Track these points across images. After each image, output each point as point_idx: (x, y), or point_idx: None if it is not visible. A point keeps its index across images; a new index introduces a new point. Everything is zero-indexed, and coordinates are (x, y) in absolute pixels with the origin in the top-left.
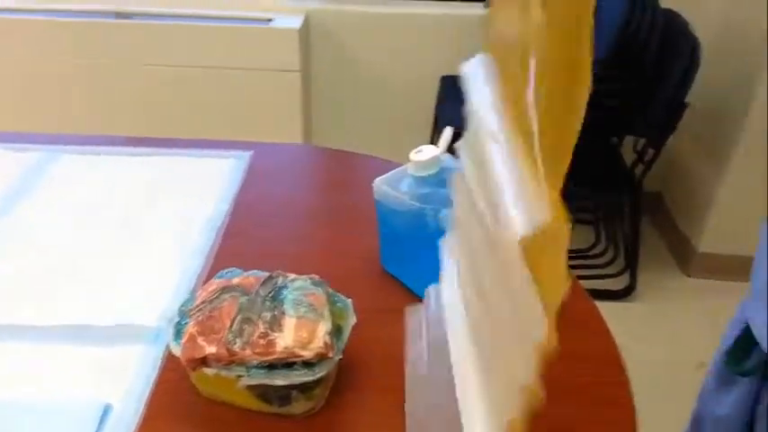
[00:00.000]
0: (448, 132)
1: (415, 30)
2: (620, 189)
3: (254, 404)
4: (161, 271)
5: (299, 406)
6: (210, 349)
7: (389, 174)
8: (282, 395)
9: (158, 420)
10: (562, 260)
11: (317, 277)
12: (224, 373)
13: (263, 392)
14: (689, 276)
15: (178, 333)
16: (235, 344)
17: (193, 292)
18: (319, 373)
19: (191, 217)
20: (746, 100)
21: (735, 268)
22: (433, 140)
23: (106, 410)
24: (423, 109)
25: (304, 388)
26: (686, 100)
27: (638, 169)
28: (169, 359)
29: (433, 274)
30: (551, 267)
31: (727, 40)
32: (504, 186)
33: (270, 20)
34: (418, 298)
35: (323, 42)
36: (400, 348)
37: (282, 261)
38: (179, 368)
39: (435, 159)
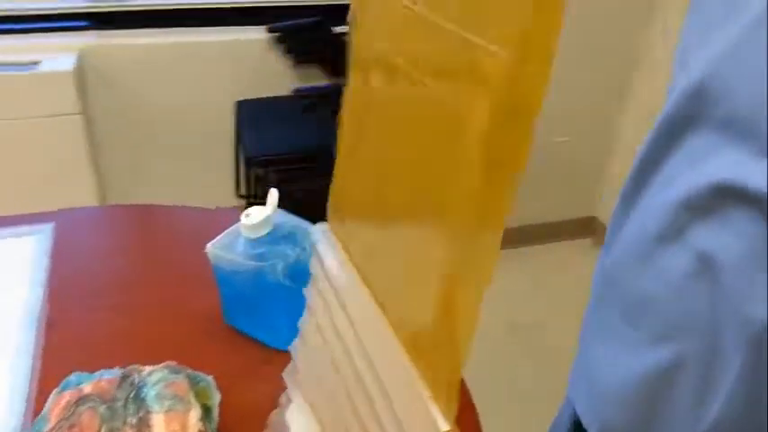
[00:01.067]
0: (275, 195)
1: (199, 59)
2: None
3: None
4: None
5: None
6: None
7: (221, 237)
8: None
9: None
10: None
11: (173, 363)
12: None
13: None
14: None
15: None
16: None
17: (28, 402)
18: None
19: (2, 312)
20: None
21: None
22: (238, 174)
23: None
24: (221, 139)
25: None
26: None
27: None
28: None
29: (283, 323)
30: None
31: None
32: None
33: (37, 63)
34: (272, 348)
35: (101, 81)
36: (270, 408)
37: (119, 342)
38: None
39: (267, 220)
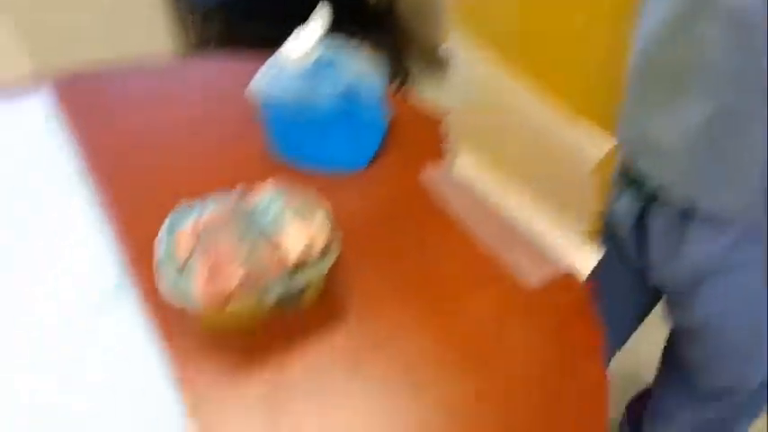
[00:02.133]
0: (324, 12)
1: None
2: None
3: (265, 315)
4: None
5: (308, 297)
6: (233, 287)
7: (263, 73)
8: (296, 295)
9: (194, 364)
10: None
11: (279, 182)
12: (247, 301)
13: (279, 301)
14: None
15: (180, 284)
16: (255, 269)
17: (118, 263)
18: (332, 259)
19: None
20: None
21: None
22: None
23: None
24: None
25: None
26: None
27: None
28: (153, 313)
29: (342, 147)
30: None
31: None
32: None
33: None
34: (333, 173)
35: None
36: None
37: (176, 192)
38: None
39: (314, 45)
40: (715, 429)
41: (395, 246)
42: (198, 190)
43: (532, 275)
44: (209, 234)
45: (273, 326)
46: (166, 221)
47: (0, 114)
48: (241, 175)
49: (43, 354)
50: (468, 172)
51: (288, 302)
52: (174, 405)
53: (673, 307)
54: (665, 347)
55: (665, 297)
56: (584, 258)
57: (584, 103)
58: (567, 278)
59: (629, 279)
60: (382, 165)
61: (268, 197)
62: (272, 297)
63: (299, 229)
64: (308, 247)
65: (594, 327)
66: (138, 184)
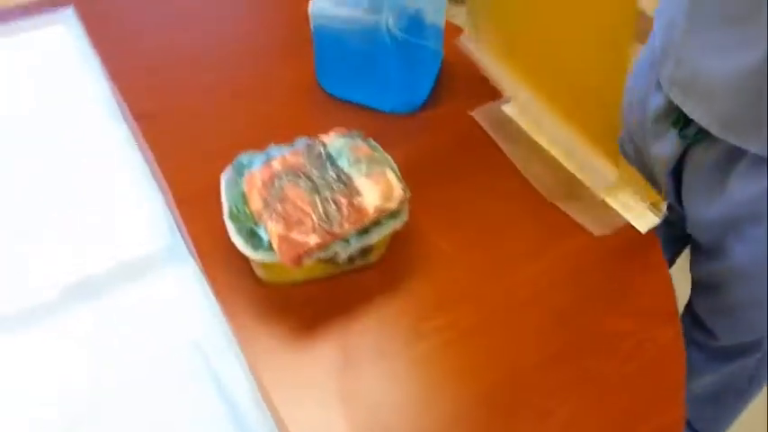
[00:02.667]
0: None
1: None
2: None
3: (334, 270)
4: (115, 195)
5: (377, 254)
6: (311, 240)
7: None
8: (366, 250)
9: (253, 322)
10: None
11: (343, 129)
12: (322, 255)
13: (348, 258)
14: None
15: (253, 237)
16: (331, 225)
17: (171, 207)
18: (404, 217)
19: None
20: None
21: None
22: None
23: (199, 346)
24: None
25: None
26: None
27: None
28: (210, 269)
29: (396, 83)
30: None
31: None
32: None
33: None
34: (380, 112)
35: None
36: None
37: (218, 123)
38: (225, 272)
39: None
40: (739, 385)
41: (455, 198)
42: (240, 127)
43: (595, 229)
44: (281, 186)
45: (338, 283)
46: (229, 170)
47: (22, 37)
48: (286, 111)
49: (95, 315)
50: (515, 112)
51: (356, 259)
52: (234, 365)
53: (702, 257)
54: (688, 305)
55: (692, 249)
56: (642, 217)
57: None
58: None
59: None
60: (435, 109)
61: (337, 146)
62: (345, 254)
63: (373, 184)
64: (384, 202)
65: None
66: (177, 120)
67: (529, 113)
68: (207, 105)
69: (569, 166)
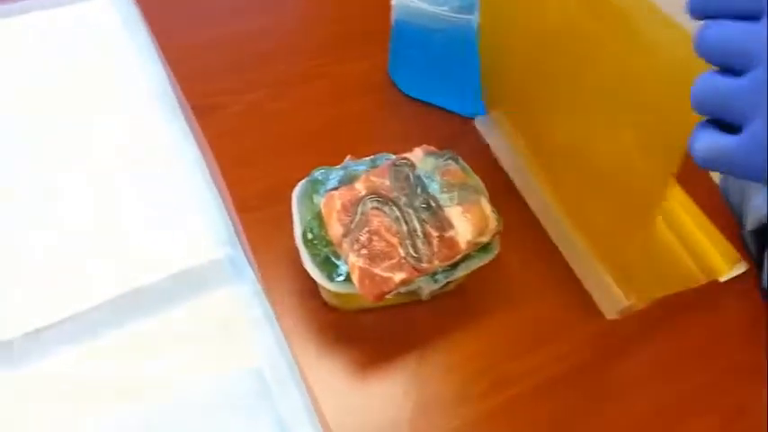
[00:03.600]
0: None
1: None
2: None
3: (411, 299)
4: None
5: (456, 282)
6: (396, 277)
7: None
8: (449, 282)
9: (318, 350)
10: None
11: (429, 147)
12: (403, 289)
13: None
14: None
15: (329, 265)
16: (420, 261)
17: (232, 220)
18: (496, 250)
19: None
20: None
21: None
22: None
23: (257, 373)
24: None
25: None
26: None
27: None
28: (272, 288)
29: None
30: None
31: None
32: None
33: None
34: (457, 116)
35: None
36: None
37: (282, 129)
38: (289, 293)
39: None
40: None
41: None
42: (310, 126)
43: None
44: (365, 212)
45: (412, 310)
46: (302, 186)
47: (60, 11)
48: (355, 106)
49: (142, 333)
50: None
51: (436, 292)
52: (295, 395)
53: None
54: None
55: None
56: None
57: None
58: None
59: None
60: None
61: (426, 168)
62: (428, 289)
63: (467, 215)
64: (477, 236)
65: None
66: (240, 116)
67: (545, 219)
68: (272, 99)
69: (585, 283)
